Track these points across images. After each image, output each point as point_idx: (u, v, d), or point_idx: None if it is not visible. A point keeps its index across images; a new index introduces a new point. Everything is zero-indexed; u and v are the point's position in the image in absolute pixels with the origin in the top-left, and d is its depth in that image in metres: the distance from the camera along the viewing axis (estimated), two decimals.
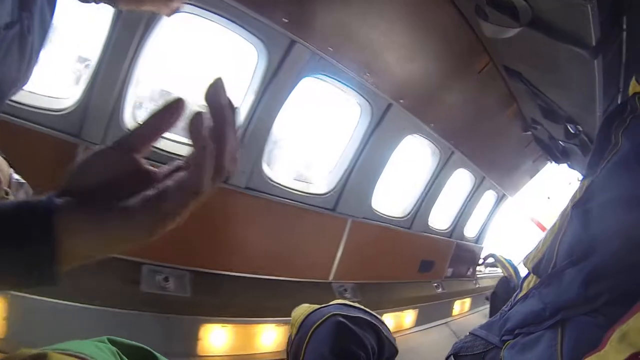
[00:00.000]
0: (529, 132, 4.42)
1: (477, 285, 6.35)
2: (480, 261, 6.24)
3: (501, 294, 4.50)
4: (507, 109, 3.98)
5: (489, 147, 4.48)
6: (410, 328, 4.52)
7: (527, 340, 0.95)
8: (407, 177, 4.26)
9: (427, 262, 4.69)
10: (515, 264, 5.03)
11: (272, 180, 2.89)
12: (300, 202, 3.07)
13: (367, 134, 3.14)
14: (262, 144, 2.71)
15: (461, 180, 4.85)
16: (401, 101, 3.03)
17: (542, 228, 7.46)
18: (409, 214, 4.12)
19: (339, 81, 2.81)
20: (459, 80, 3.29)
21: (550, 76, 2.74)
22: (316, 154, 3.49)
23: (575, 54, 1.84)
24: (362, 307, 1.23)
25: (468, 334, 1.21)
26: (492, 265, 6.16)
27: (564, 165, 5.00)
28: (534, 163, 5.52)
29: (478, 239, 6.05)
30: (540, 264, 1.06)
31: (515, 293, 1.15)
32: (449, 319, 5.52)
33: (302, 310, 1.22)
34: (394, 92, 2.98)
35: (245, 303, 2.84)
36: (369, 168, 3.32)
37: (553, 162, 5.18)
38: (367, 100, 2.99)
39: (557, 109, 3.09)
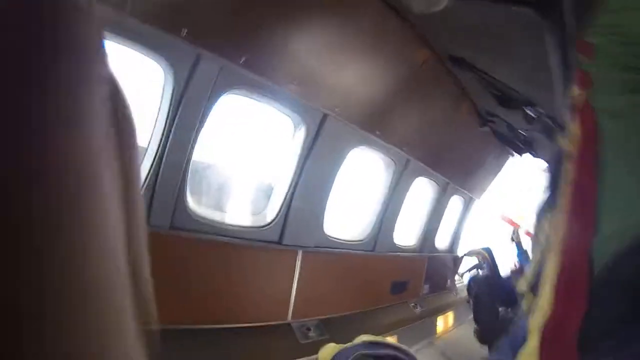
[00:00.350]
0: (486, 127, 4.18)
1: (459, 296, 6.00)
2: (464, 270, 5.95)
3: (484, 297, 4.22)
4: (460, 105, 3.73)
5: (447, 149, 4.19)
6: None
7: None
8: (362, 195, 3.91)
9: (399, 282, 4.32)
10: (493, 251, 4.77)
11: (200, 217, 2.48)
12: (239, 238, 2.66)
13: (304, 152, 2.78)
14: (182, 174, 2.31)
15: (423, 189, 4.54)
16: (336, 110, 2.69)
17: (514, 224, 7.22)
18: (369, 235, 3.74)
19: (262, 95, 2.46)
20: (401, 80, 2.99)
21: (496, 55, 2.47)
22: (250, 180, 3.09)
23: (519, 19, 1.55)
24: (391, 342, 1.20)
25: None
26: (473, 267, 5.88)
27: (527, 156, 4.80)
28: (496, 159, 5.30)
29: (452, 248, 5.72)
30: (536, 282, 0.94)
31: (518, 308, 1.12)
32: (434, 337, 5.15)
33: (329, 350, 1.20)
34: (326, 101, 2.64)
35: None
36: (313, 190, 2.95)
37: (516, 154, 4.95)
38: (298, 114, 2.64)
39: (512, 93, 2.82)
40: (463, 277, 5.87)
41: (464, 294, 5.75)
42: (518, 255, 4.60)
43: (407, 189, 3.89)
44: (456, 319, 5.86)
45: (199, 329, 2.57)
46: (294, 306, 3.05)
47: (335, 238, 3.36)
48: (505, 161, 5.51)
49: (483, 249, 4.80)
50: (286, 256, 2.96)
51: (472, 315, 6.34)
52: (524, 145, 4.21)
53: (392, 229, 3.98)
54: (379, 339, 1.21)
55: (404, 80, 3.00)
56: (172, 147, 2.22)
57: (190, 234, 2.44)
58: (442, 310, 5.44)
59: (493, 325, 3.82)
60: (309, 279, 3.11)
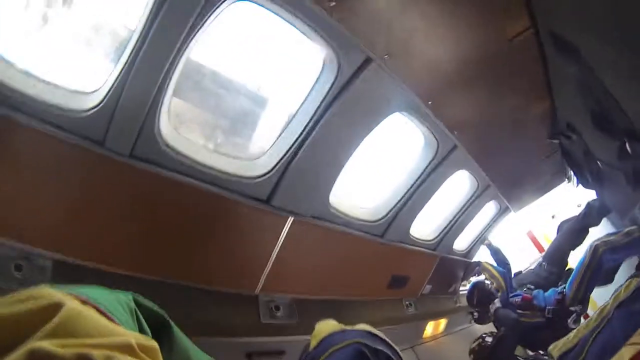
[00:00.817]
0: (556, 141, 3.37)
1: (458, 304, 5.42)
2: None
3: (510, 340, 3.76)
4: (536, 104, 2.93)
5: (502, 150, 3.42)
6: None
7: None
8: (387, 170, 3.23)
9: (400, 277, 3.74)
10: (505, 269, 4.29)
11: (172, 149, 1.93)
12: (217, 185, 2.10)
13: (329, 97, 2.11)
14: (159, 88, 1.73)
15: (460, 183, 3.82)
16: (386, 57, 1.97)
17: (539, 246, 6.55)
18: (383, 219, 3.11)
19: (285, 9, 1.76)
20: (479, 50, 2.22)
21: (627, 61, 1.65)
22: (251, 114, 2.45)
23: None
24: (387, 339, 1.17)
25: None
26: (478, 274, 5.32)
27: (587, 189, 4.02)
28: (551, 180, 4.51)
29: (468, 252, 5.05)
30: (567, 355, 1.09)
31: None
32: (416, 342, 4.64)
33: (328, 327, 1.19)
34: (374, 42, 1.90)
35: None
36: (328, 147, 2.30)
37: (575, 184, 4.15)
38: (333, 47, 1.94)
39: (617, 114, 2.00)
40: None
41: (464, 302, 5.17)
42: (493, 255, 4.44)
43: (443, 179, 3.19)
44: (447, 327, 5.33)
45: (150, 280, 2.12)
46: (267, 279, 2.52)
47: (340, 212, 2.75)
48: (558, 184, 4.77)
49: (499, 272, 4.21)
50: (272, 220, 2.38)
51: (464, 327, 5.87)
52: (592, 179, 3.40)
53: (411, 218, 3.34)
54: (378, 333, 1.16)
55: (484, 51, 2.24)
56: (151, 49, 1.61)
57: (154, 168, 1.90)
58: (436, 315, 4.89)
59: None
60: (293, 252, 2.55)
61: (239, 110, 2.51)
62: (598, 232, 4.07)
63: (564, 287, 3.51)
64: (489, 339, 3.79)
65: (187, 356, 0.74)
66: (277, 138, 2.28)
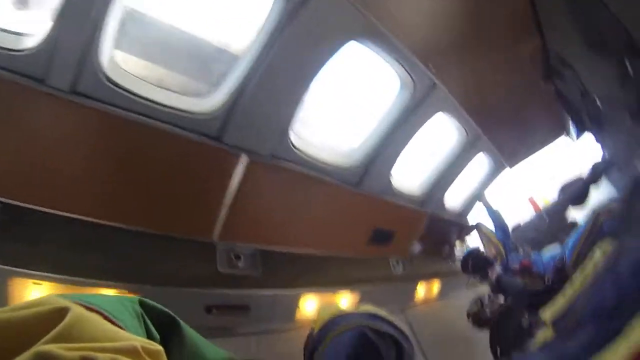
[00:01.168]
0: (550, 85, 3.10)
1: (454, 266, 5.22)
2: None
3: (504, 327, 3.50)
4: (525, 41, 2.67)
5: (491, 94, 3.17)
6: None
7: None
8: (360, 109, 3.00)
9: (384, 232, 3.53)
10: (504, 234, 4.04)
11: (115, 83, 1.85)
12: (164, 122, 1.98)
13: (280, 21, 1.91)
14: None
15: (446, 132, 3.59)
16: None
17: (538, 209, 6.28)
18: (357, 164, 2.90)
19: None
20: None
21: None
22: (200, 43, 2.25)
23: None
24: (393, 320, 1.04)
25: None
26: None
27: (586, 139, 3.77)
28: (548, 132, 4.24)
29: (463, 213, 4.83)
30: (561, 321, 1.05)
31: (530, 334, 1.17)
32: (406, 305, 4.48)
33: (331, 310, 1.08)
34: None
35: None
36: (280, 80, 2.10)
37: (572, 131, 3.89)
38: None
39: (615, 31, 1.74)
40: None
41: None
42: (493, 220, 4.12)
43: (423, 121, 2.95)
44: (442, 291, 5.15)
45: (101, 225, 2.03)
46: (226, 225, 2.36)
47: (305, 154, 2.55)
48: (555, 138, 4.46)
49: (498, 238, 3.99)
50: (224, 158, 2.20)
51: (459, 291, 5.71)
52: (591, 121, 3.14)
53: (389, 166, 3.12)
54: (383, 314, 1.06)
55: None
56: None
57: (97, 104, 1.82)
58: (428, 276, 4.72)
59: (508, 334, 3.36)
60: (254, 196, 2.38)
61: (187, 47, 2.33)
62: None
63: (563, 253, 3.35)
64: (489, 304, 3.65)
65: (198, 352, 0.71)
66: (227, 71, 2.09)
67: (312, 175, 2.61)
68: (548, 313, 1.13)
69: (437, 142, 3.58)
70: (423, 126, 2.96)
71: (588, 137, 3.75)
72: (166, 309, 0.65)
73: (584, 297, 1.04)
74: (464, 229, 5.03)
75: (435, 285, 4.98)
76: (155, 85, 2.06)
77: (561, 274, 3.33)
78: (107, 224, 2.03)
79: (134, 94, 1.90)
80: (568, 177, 4.76)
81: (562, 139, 4.49)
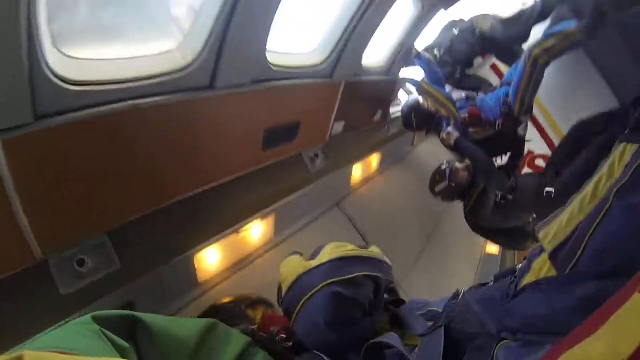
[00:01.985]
0: None
1: (391, 132, 4.43)
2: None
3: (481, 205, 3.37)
4: None
5: None
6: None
7: (527, 350, 0.77)
8: None
9: (279, 128, 2.51)
10: (443, 87, 3.63)
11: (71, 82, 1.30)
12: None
13: None
14: None
15: None
16: None
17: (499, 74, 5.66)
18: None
19: None
20: None
21: None
22: None
23: None
24: (359, 253, 1.00)
25: (460, 297, 0.99)
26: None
27: None
28: None
29: (390, 69, 3.79)
30: (560, 251, 0.83)
31: (521, 268, 0.91)
32: (344, 195, 3.74)
33: (293, 267, 1.01)
34: None
35: None
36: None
37: None
38: None
39: None
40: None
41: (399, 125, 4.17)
42: (428, 77, 3.60)
43: None
44: (382, 162, 4.43)
45: None
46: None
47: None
48: None
49: (444, 95, 3.50)
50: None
51: (405, 153, 5.06)
52: None
53: (264, 44, 1.97)
54: (349, 251, 0.99)
55: None
56: None
57: (64, 119, 1.34)
58: (362, 155, 3.92)
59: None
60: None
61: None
62: None
63: (507, 97, 3.20)
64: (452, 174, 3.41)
65: (168, 334, 0.67)
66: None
67: None
68: (547, 239, 0.84)
69: None
70: None
71: None
72: (121, 310, 0.62)
73: (593, 230, 0.75)
74: (394, 86, 4.12)
75: (374, 159, 4.28)
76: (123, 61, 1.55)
77: (510, 119, 3.22)
78: None
79: (103, 82, 1.42)
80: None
81: None
